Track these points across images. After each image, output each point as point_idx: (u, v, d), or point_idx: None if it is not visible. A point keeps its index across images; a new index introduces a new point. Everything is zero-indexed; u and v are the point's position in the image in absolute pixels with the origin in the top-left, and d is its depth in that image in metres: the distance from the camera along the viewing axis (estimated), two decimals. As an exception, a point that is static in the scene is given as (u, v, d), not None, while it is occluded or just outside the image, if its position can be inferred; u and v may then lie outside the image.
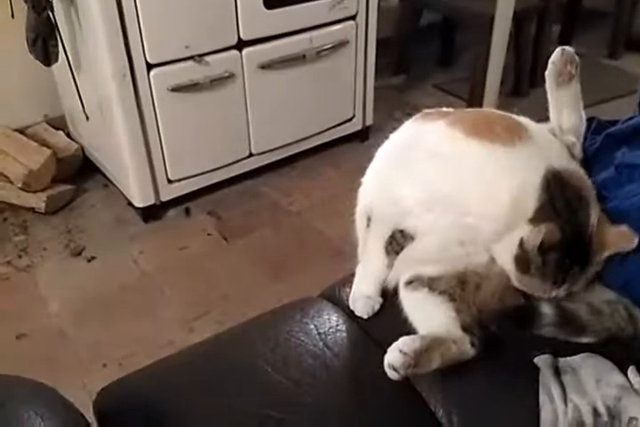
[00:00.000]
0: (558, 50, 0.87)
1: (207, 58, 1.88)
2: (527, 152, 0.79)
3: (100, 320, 1.70)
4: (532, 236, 0.75)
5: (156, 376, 0.91)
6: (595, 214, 0.79)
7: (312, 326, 0.93)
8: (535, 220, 0.76)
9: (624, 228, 0.80)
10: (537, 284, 0.80)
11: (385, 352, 0.80)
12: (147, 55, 1.79)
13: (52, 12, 1.80)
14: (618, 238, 0.79)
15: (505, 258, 0.80)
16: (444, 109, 0.94)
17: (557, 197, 0.76)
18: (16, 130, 2.21)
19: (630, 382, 0.78)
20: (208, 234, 2.03)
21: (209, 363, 0.91)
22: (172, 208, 2.12)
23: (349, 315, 0.96)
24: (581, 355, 0.82)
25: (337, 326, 0.94)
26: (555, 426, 0.76)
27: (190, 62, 1.86)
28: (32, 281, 1.84)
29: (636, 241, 0.79)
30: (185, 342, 1.56)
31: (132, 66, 1.78)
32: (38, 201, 2.08)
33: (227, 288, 1.80)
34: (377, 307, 0.95)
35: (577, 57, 0.87)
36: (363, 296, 0.96)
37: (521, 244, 0.77)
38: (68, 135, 2.31)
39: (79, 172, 2.28)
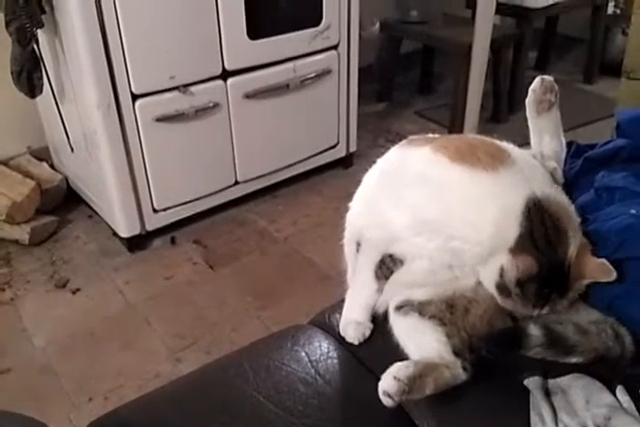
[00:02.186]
0: (538, 79, 0.90)
1: (192, 88, 1.90)
2: (510, 178, 0.81)
3: (85, 353, 1.68)
4: (510, 269, 0.77)
5: (146, 409, 0.90)
6: (574, 245, 0.80)
7: (303, 354, 0.93)
8: (515, 250, 0.78)
9: (603, 262, 0.81)
10: (519, 307, 0.82)
11: (377, 378, 0.80)
12: (132, 86, 1.80)
13: (37, 44, 1.82)
14: (597, 271, 0.81)
15: (488, 282, 0.82)
16: (430, 136, 0.96)
17: (537, 226, 0.78)
18: (-1, 162, 2.21)
19: (619, 402, 0.78)
20: (194, 263, 2.02)
21: (199, 394, 0.90)
22: (158, 237, 2.11)
23: (340, 341, 0.96)
24: (570, 376, 0.83)
25: (328, 352, 0.94)
26: (547, 448, 0.76)
27: (175, 93, 1.88)
28: (16, 314, 1.82)
29: (614, 275, 0.80)
30: (172, 374, 1.55)
31: (117, 97, 1.80)
32: (22, 233, 2.06)
33: (214, 317, 1.79)
34: (367, 333, 0.95)
35: (556, 86, 0.90)
36: (353, 322, 0.96)
37: (501, 273, 0.78)
38: (52, 166, 2.31)
39: (63, 203, 2.27)
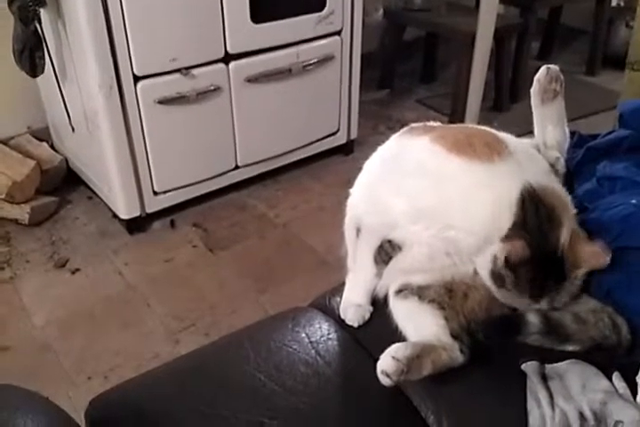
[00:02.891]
0: (544, 68, 0.90)
1: (194, 71, 1.90)
2: (505, 169, 0.81)
3: (84, 333, 1.69)
4: (499, 252, 0.78)
5: (147, 386, 0.91)
6: (566, 232, 0.80)
7: (304, 335, 0.95)
8: (507, 237, 0.78)
9: (598, 246, 0.82)
10: (515, 297, 0.82)
11: (375, 360, 0.81)
12: (134, 67, 1.80)
13: (40, 23, 1.81)
14: (590, 257, 0.82)
15: (483, 273, 0.83)
16: (431, 124, 0.96)
17: (531, 215, 0.79)
18: (-1, 141, 2.20)
19: (615, 387, 0.80)
20: (193, 246, 2.03)
21: (200, 372, 0.91)
22: (158, 220, 2.11)
23: (340, 324, 0.98)
24: (567, 361, 0.84)
25: (328, 334, 0.95)
26: (542, 431, 0.78)
27: (177, 75, 1.87)
28: (15, 293, 1.82)
29: (608, 260, 0.81)
30: (171, 355, 1.56)
31: (118, 78, 1.79)
32: (22, 213, 2.06)
33: (212, 300, 1.80)
34: (367, 315, 0.97)
35: (561, 75, 0.90)
36: (353, 305, 0.98)
37: (494, 260, 0.79)
38: (52, 147, 2.30)
39: (63, 183, 2.27)
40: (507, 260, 0.77)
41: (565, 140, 0.94)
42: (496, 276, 0.81)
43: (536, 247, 0.78)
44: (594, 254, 0.82)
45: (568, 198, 0.86)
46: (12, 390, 0.74)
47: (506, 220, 0.79)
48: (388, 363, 0.79)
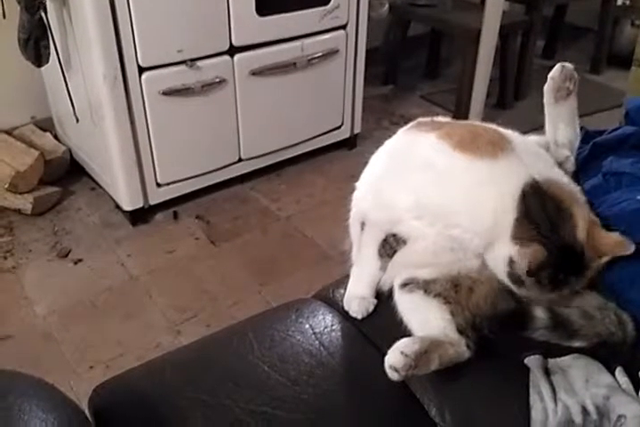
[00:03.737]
0: (558, 65, 0.90)
1: (199, 63, 1.89)
2: (508, 166, 0.81)
3: (86, 322, 1.69)
4: (519, 260, 0.77)
5: (150, 375, 0.91)
6: (582, 225, 0.80)
7: (307, 326, 0.95)
8: (518, 236, 0.78)
9: (618, 235, 0.81)
10: (536, 293, 0.82)
11: (379, 351, 0.81)
12: (139, 58, 1.79)
13: (45, 13, 1.80)
14: (613, 247, 0.81)
15: (498, 271, 0.82)
16: (438, 119, 0.96)
17: (536, 210, 0.78)
18: (3, 131, 2.20)
19: (618, 382, 0.80)
20: (196, 238, 2.03)
21: (204, 362, 0.91)
22: (160, 212, 2.12)
23: (344, 315, 0.98)
24: (570, 356, 0.84)
25: (332, 325, 0.95)
26: (545, 425, 0.78)
27: (182, 67, 1.87)
28: (17, 282, 1.83)
29: (632, 248, 0.80)
30: (172, 345, 1.57)
31: (123, 69, 1.79)
32: (25, 202, 2.06)
33: (214, 292, 1.80)
34: (371, 308, 0.97)
35: (576, 74, 0.90)
36: (357, 297, 0.98)
37: (510, 263, 0.79)
38: (56, 137, 2.30)
39: (66, 174, 2.27)
40: (528, 269, 0.77)
41: (576, 139, 0.94)
42: (514, 278, 0.80)
43: (552, 247, 0.77)
44: (617, 243, 0.81)
45: (577, 189, 0.85)
46: (17, 376, 0.75)
47: (509, 216, 0.78)
48: (396, 358, 0.79)
